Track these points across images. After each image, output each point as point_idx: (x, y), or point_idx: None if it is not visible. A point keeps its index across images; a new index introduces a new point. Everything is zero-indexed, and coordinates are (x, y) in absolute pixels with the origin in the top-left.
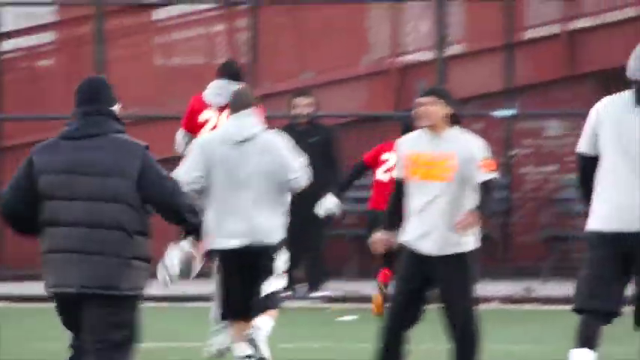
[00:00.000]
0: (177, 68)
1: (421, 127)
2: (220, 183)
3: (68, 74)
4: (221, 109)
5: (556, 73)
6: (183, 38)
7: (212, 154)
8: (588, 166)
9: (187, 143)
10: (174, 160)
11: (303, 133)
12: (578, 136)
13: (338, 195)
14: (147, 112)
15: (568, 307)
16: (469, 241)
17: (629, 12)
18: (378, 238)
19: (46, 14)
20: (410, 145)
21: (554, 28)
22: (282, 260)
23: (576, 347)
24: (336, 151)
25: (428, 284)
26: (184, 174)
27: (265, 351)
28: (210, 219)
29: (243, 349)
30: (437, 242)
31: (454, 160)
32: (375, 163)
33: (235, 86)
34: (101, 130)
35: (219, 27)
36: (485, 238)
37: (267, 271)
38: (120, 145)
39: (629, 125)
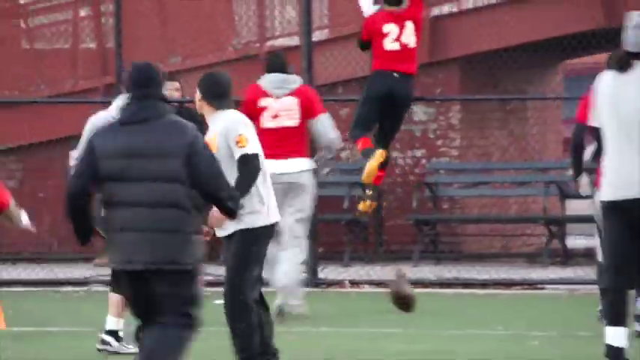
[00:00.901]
0: (43, 52)
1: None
2: None
3: None
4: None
5: (420, 58)
6: (49, 22)
7: None
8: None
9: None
10: (36, 145)
11: None
12: (443, 120)
13: None
14: (13, 96)
15: (440, 289)
16: (247, 220)
17: None
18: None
19: None
20: None
21: None
22: None
23: (609, 325)
24: (204, 134)
25: None
26: None
27: None
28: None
29: None
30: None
31: (215, 139)
32: None
33: (290, 77)
34: (154, 114)
35: (85, 11)
36: (356, 222)
37: None
38: (172, 127)
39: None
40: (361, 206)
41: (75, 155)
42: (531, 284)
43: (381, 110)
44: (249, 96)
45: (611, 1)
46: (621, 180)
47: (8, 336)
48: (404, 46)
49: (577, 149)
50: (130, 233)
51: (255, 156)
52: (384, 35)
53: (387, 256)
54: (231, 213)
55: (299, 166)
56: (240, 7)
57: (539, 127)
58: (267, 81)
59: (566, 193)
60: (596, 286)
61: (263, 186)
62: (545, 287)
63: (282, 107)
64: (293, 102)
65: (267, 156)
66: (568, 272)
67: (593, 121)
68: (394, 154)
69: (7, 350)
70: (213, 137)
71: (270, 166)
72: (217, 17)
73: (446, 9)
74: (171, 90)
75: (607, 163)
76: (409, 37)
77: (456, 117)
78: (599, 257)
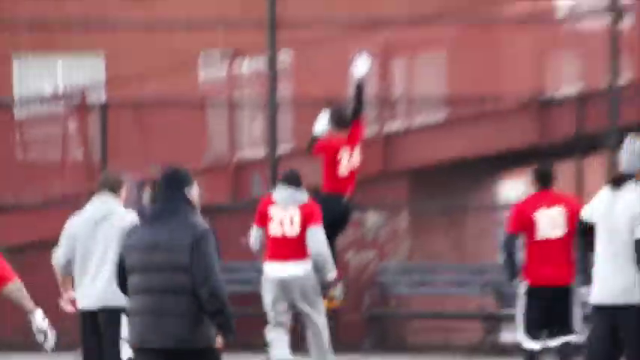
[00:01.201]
0: (35, 162)
1: None
2: None
3: None
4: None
5: (374, 168)
6: (41, 135)
7: None
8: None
9: (259, 237)
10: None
11: None
12: (393, 225)
13: None
14: (7, 201)
15: None
16: None
17: (435, 118)
18: None
19: None
20: None
21: (372, 129)
22: None
23: None
24: None
25: None
26: None
27: None
28: None
29: None
30: None
31: None
32: None
33: (296, 189)
34: (175, 211)
35: (73, 125)
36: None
37: None
38: (186, 224)
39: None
40: (326, 304)
41: (56, 254)
42: None
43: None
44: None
45: (543, 120)
46: (607, 287)
47: None
48: (351, 172)
49: (509, 256)
50: (146, 317)
51: None
52: (338, 162)
53: (340, 347)
54: (207, 309)
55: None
56: (213, 122)
57: (477, 233)
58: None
59: (501, 292)
60: None
61: None
62: None
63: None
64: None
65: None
66: None
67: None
68: (348, 255)
69: None
70: None
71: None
72: (192, 132)
73: (395, 127)
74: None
75: (597, 271)
76: (356, 160)
77: (402, 223)
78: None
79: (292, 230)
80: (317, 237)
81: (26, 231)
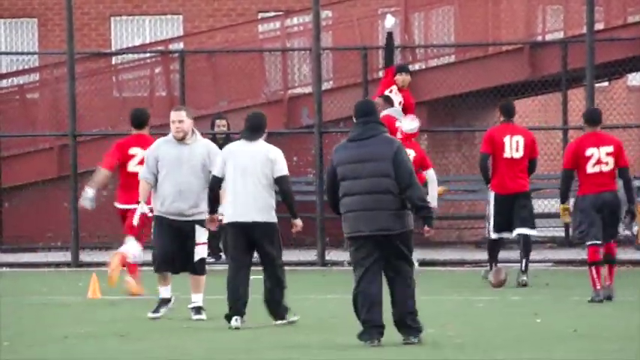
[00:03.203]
0: (129, 99)
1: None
2: None
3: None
4: None
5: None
6: (133, 77)
7: None
8: None
9: None
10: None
11: (222, 147)
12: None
13: None
14: (106, 132)
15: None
16: None
17: (447, 60)
18: None
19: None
20: None
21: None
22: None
23: None
24: None
25: None
26: None
27: None
28: None
29: None
30: None
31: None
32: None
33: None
34: (375, 133)
35: (158, 69)
36: None
37: None
38: (385, 141)
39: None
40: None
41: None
42: (478, 263)
43: None
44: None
45: (534, 59)
46: None
47: (103, 303)
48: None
49: (484, 171)
50: (358, 212)
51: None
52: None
53: None
54: (412, 204)
55: None
56: (269, 64)
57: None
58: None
59: None
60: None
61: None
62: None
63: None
64: None
65: None
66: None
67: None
68: None
69: (104, 314)
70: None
71: None
72: (253, 73)
73: (417, 67)
74: (219, 126)
75: None
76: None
77: (423, 144)
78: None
79: None
80: None
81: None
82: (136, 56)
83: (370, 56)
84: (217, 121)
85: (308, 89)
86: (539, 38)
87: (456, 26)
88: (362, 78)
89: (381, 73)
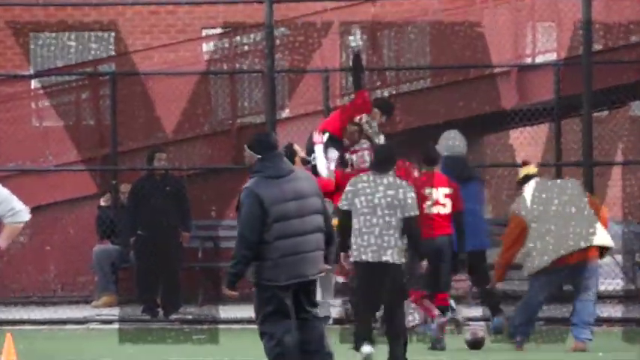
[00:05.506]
0: (51, 128)
1: None
2: None
3: None
4: None
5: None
6: (56, 103)
7: None
8: None
9: None
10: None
11: (160, 183)
12: None
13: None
14: (25, 166)
15: None
16: None
17: (422, 84)
18: None
19: None
20: None
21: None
22: None
23: None
24: (185, 198)
25: None
26: None
27: None
28: None
29: None
30: None
31: None
32: None
33: None
34: (292, 168)
35: (85, 94)
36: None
37: None
38: (306, 177)
39: None
40: None
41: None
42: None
43: None
44: None
45: (522, 84)
46: None
47: None
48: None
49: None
50: (300, 255)
51: None
52: None
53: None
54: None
55: None
56: (215, 89)
57: None
58: None
59: None
60: None
61: None
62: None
63: None
64: None
65: None
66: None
67: None
68: None
69: None
70: None
71: None
72: (197, 99)
73: (386, 93)
74: (159, 160)
75: None
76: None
77: None
78: None
79: None
80: None
81: (44, 193)
82: (59, 79)
83: (332, 79)
84: (157, 154)
85: (260, 118)
86: (529, 60)
87: (432, 46)
88: (323, 105)
89: (346, 99)
